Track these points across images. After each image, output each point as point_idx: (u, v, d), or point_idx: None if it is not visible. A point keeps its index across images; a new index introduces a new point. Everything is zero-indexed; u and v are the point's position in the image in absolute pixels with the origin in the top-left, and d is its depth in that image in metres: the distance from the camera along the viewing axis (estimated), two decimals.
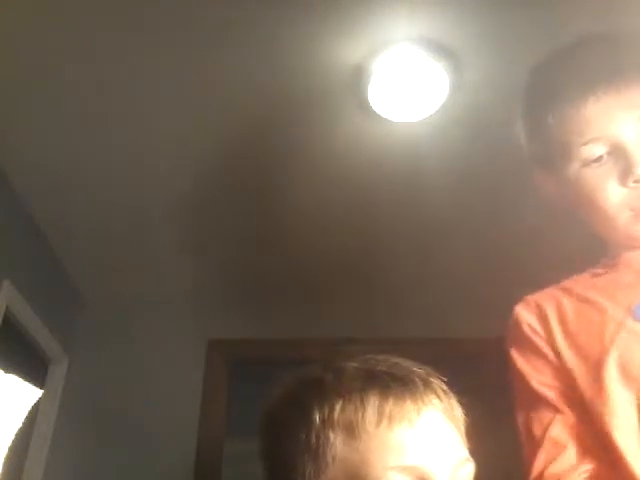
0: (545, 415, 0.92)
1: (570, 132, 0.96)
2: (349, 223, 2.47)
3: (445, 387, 0.67)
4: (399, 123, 2.01)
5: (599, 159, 0.93)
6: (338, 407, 0.62)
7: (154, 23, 1.71)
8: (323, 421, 0.62)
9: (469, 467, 0.64)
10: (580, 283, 1.00)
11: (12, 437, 2.62)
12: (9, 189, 2.26)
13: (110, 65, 1.83)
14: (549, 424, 0.91)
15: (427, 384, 0.65)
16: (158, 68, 1.84)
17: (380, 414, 0.61)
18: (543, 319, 0.97)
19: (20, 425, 2.66)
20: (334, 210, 2.41)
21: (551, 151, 1.01)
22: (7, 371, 2.68)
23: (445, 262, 2.62)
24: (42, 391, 2.68)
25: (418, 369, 0.66)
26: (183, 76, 1.87)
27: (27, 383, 2.75)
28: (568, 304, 0.97)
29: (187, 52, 1.79)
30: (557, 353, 0.93)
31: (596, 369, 0.87)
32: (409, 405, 0.62)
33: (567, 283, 1.02)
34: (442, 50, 1.78)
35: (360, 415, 0.61)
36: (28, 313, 2.37)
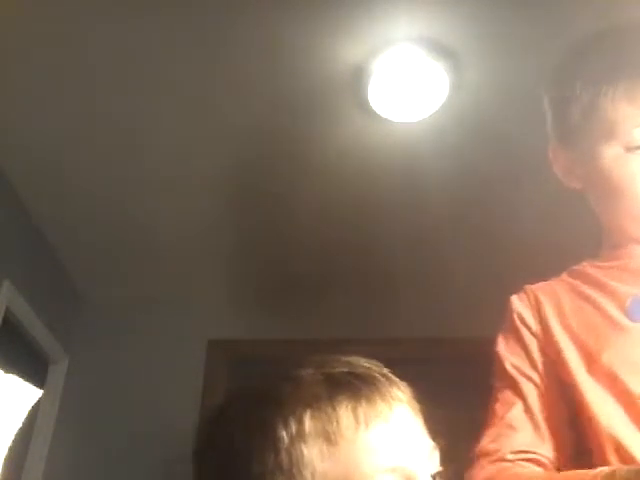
0: (509, 398, 0.93)
1: (624, 110, 0.90)
2: (349, 223, 2.47)
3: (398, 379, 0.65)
4: (399, 123, 2.01)
5: None
6: (307, 418, 0.57)
7: (154, 23, 1.71)
8: (292, 437, 0.56)
9: (437, 454, 0.63)
10: (581, 275, 0.99)
11: (12, 437, 2.62)
12: (9, 189, 2.26)
13: (111, 65, 1.83)
14: (511, 407, 0.92)
15: (388, 379, 0.63)
16: (158, 69, 1.84)
17: (356, 418, 0.58)
18: (538, 311, 0.97)
19: (20, 425, 2.66)
20: (334, 210, 2.40)
21: (589, 126, 0.95)
22: (7, 371, 2.69)
23: (445, 262, 2.62)
24: (42, 391, 2.68)
25: (372, 365, 0.64)
26: (183, 77, 1.87)
27: (27, 383, 2.75)
28: (567, 298, 0.97)
29: (187, 52, 1.79)
30: (552, 346, 0.93)
31: (591, 367, 0.88)
32: (380, 403, 0.60)
33: (568, 275, 1.01)
34: (442, 50, 1.78)
35: (335, 422, 0.57)
36: (28, 313, 2.37)
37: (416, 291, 2.69)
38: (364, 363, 0.63)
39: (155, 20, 1.70)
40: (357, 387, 0.59)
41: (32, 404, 2.70)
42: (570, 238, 1.91)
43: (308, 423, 0.57)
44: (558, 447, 0.90)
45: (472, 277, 2.62)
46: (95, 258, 2.71)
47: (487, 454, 0.89)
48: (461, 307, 2.61)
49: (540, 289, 1.00)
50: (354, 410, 0.58)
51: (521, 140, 2.04)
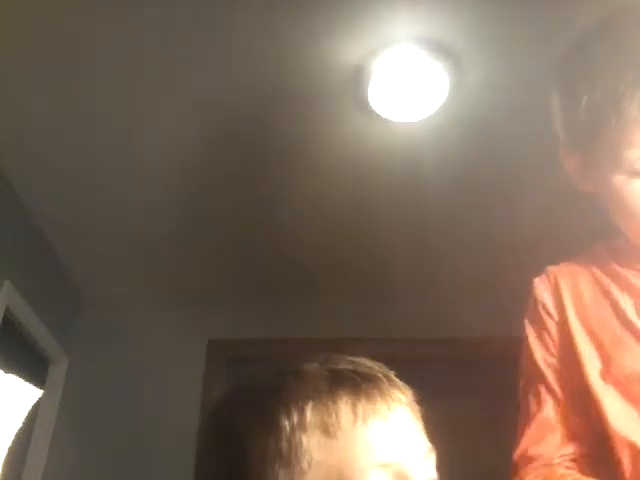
0: (543, 394, 0.93)
1: (628, 143, 0.85)
2: (349, 223, 2.47)
3: (402, 382, 0.67)
4: (399, 123, 2.01)
5: None
6: (308, 410, 0.60)
7: (155, 22, 1.71)
8: (293, 426, 0.59)
9: (433, 457, 0.64)
10: (604, 265, 0.97)
11: (12, 437, 2.62)
12: (9, 189, 2.26)
13: (110, 64, 1.83)
14: (544, 403, 0.92)
15: (390, 380, 0.65)
16: (158, 67, 1.84)
17: (354, 413, 0.60)
18: (557, 297, 0.97)
19: (20, 425, 2.66)
20: (334, 210, 2.41)
21: (594, 143, 0.90)
22: (7, 371, 2.69)
23: (445, 262, 2.62)
24: (42, 391, 2.68)
25: (376, 366, 0.66)
26: (183, 75, 1.87)
27: (27, 383, 2.76)
28: (587, 288, 0.96)
29: (187, 52, 1.79)
30: (567, 335, 0.93)
31: (605, 368, 0.88)
32: (379, 402, 0.62)
33: (586, 258, 1.00)
34: (442, 50, 1.78)
35: (334, 416, 0.60)
36: (28, 313, 2.37)
37: (416, 291, 2.69)
38: (368, 363, 0.66)
39: (155, 20, 1.70)
40: (358, 384, 0.62)
41: (32, 404, 2.70)
42: (570, 238, 1.91)
43: (309, 414, 0.60)
44: (585, 441, 0.89)
45: (472, 277, 2.62)
46: (95, 258, 2.71)
47: (532, 460, 0.89)
48: (461, 307, 2.61)
49: (561, 273, 0.99)
50: (353, 406, 0.60)
51: (521, 140, 2.04)
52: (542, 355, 0.95)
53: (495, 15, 1.68)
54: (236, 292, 2.84)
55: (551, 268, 1.01)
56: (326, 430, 0.59)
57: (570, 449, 0.88)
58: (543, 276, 1.01)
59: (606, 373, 0.87)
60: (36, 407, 2.65)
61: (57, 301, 2.74)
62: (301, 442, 0.59)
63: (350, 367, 0.64)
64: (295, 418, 0.60)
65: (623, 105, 0.84)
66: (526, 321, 0.99)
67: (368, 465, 0.58)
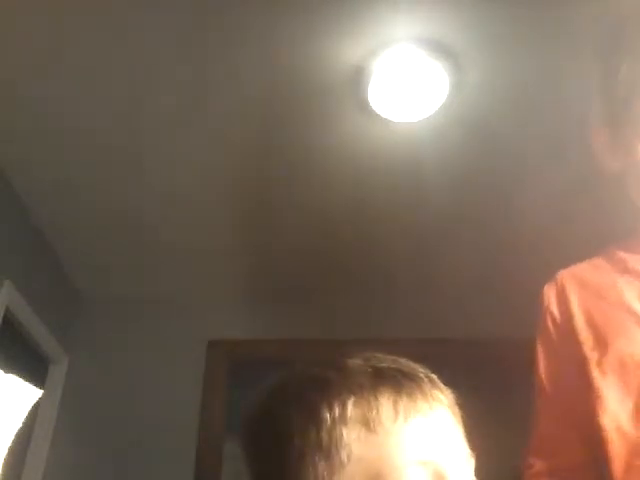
0: (544, 407, 0.94)
1: None
2: (349, 222, 2.47)
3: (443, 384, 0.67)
4: (399, 123, 2.01)
5: None
6: (350, 404, 0.61)
7: (155, 24, 1.71)
8: (334, 419, 0.60)
9: (471, 463, 0.65)
10: (612, 259, 0.98)
11: (12, 437, 2.62)
12: (9, 189, 2.26)
13: (110, 64, 1.83)
14: (545, 416, 0.93)
15: (432, 380, 0.65)
16: (158, 68, 1.84)
17: (395, 410, 0.61)
18: (563, 301, 0.98)
19: (20, 425, 2.66)
20: (334, 210, 2.41)
21: (629, 117, 0.92)
22: (7, 371, 2.69)
23: (445, 262, 2.62)
24: (42, 391, 2.68)
25: (419, 367, 0.67)
26: (183, 76, 1.87)
27: (27, 383, 2.76)
28: (593, 282, 0.97)
29: (187, 52, 1.79)
30: (571, 328, 0.94)
31: (600, 354, 0.88)
32: (421, 401, 0.62)
33: (602, 258, 1.01)
34: (442, 50, 1.78)
35: (375, 411, 0.60)
36: (28, 313, 2.37)
37: (416, 291, 2.69)
38: (411, 364, 0.67)
39: (155, 20, 1.70)
40: (400, 382, 0.63)
41: (32, 404, 2.70)
42: (571, 236, 1.91)
43: (350, 408, 0.61)
44: (581, 453, 0.90)
45: (472, 277, 2.62)
46: (95, 258, 2.71)
47: (531, 468, 0.90)
48: (461, 308, 2.61)
49: (569, 276, 1.00)
50: (395, 403, 0.61)
51: (521, 140, 2.04)
52: (545, 368, 0.96)
53: (495, 15, 1.68)
54: (236, 292, 2.84)
55: (560, 273, 1.02)
56: (367, 425, 0.60)
57: (566, 460, 0.89)
58: (552, 283, 1.02)
59: (603, 360, 0.88)
60: (36, 407, 2.65)
61: (57, 301, 2.74)
62: (341, 435, 0.60)
63: (393, 365, 0.65)
64: (337, 411, 0.61)
65: None
66: (538, 334, 1.00)
67: (407, 462, 0.58)
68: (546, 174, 2.11)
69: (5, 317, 2.20)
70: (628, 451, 0.81)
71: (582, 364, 0.91)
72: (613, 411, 0.84)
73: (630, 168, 0.95)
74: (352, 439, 0.59)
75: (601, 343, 0.89)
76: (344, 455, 0.59)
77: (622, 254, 0.97)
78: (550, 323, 0.98)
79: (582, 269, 1.00)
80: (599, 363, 0.88)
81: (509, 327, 1.96)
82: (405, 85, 1.88)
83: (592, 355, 0.89)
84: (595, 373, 0.88)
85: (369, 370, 0.64)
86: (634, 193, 0.96)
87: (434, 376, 0.67)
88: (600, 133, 1.00)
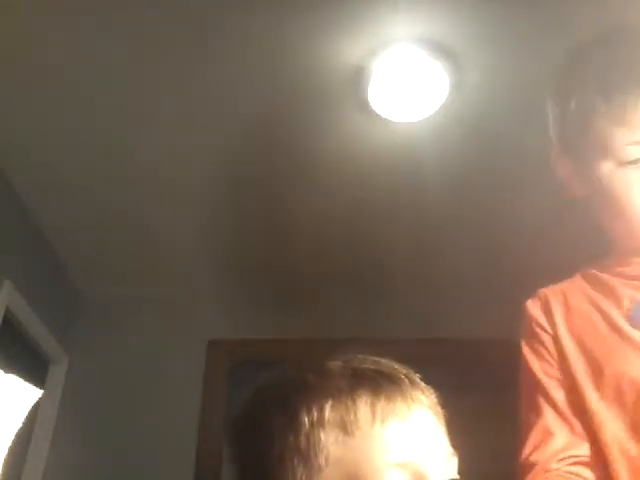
0: (541, 403, 0.94)
1: (617, 125, 0.89)
2: (349, 223, 2.47)
3: (425, 384, 0.67)
4: (399, 123, 2.01)
5: (636, 161, 0.88)
6: (328, 407, 0.61)
7: (155, 24, 1.71)
8: (312, 423, 0.61)
9: (455, 461, 0.64)
10: (591, 279, 0.99)
11: (12, 437, 2.62)
12: (9, 189, 2.26)
13: (111, 65, 1.83)
14: (543, 411, 0.93)
15: (412, 381, 0.65)
16: (158, 68, 1.84)
17: (373, 412, 0.61)
18: (549, 315, 0.98)
19: (20, 425, 2.66)
20: (334, 210, 2.41)
21: (586, 140, 0.94)
22: (7, 371, 2.69)
23: (445, 262, 2.62)
24: (42, 391, 2.68)
25: (400, 367, 0.67)
26: (183, 76, 1.87)
27: (27, 383, 2.76)
28: (576, 302, 0.97)
29: (187, 53, 1.79)
30: (560, 350, 0.94)
31: (595, 376, 0.88)
32: (400, 403, 0.62)
33: (581, 277, 1.02)
34: (442, 50, 1.78)
35: (352, 414, 0.60)
36: (28, 313, 2.37)
37: (416, 291, 2.69)
38: (393, 365, 0.66)
39: (155, 20, 1.70)
40: (379, 384, 0.62)
41: (32, 404, 2.70)
42: (571, 238, 1.91)
43: (328, 412, 0.61)
44: (584, 446, 0.90)
45: (472, 277, 2.62)
46: (95, 258, 2.71)
47: (533, 466, 0.90)
48: (461, 308, 2.61)
49: (551, 293, 1.01)
50: (372, 405, 0.61)
51: (521, 140, 2.04)
52: (539, 365, 0.96)
53: (495, 15, 1.68)
54: (236, 292, 2.84)
55: (542, 290, 1.03)
56: (344, 428, 0.60)
57: (570, 453, 0.89)
58: (535, 298, 1.03)
59: (599, 383, 0.88)
60: (36, 407, 2.65)
61: (57, 301, 2.74)
62: (319, 438, 0.60)
63: (373, 367, 0.65)
64: (315, 415, 0.61)
65: (610, 92, 0.89)
66: (523, 342, 1.00)
67: (384, 465, 0.58)
68: (546, 174, 2.10)
69: (5, 317, 2.20)
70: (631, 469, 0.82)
71: (572, 379, 0.91)
72: (612, 431, 0.85)
73: (592, 189, 0.96)
74: (330, 442, 0.60)
75: (594, 366, 0.89)
76: (322, 458, 0.59)
77: (601, 275, 0.98)
78: (539, 329, 0.98)
79: (563, 289, 1.01)
80: (596, 387, 0.88)
81: (509, 327, 1.96)
82: (405, 85, 1.88)
83: (585, 379, 0.89)
84: (590, 396, 0.88)
85: (349, 372, 0.64)
86: (599, 216, 0.98)
87: (416, 377, 0.66)
88: (562, 164, 1.02)
